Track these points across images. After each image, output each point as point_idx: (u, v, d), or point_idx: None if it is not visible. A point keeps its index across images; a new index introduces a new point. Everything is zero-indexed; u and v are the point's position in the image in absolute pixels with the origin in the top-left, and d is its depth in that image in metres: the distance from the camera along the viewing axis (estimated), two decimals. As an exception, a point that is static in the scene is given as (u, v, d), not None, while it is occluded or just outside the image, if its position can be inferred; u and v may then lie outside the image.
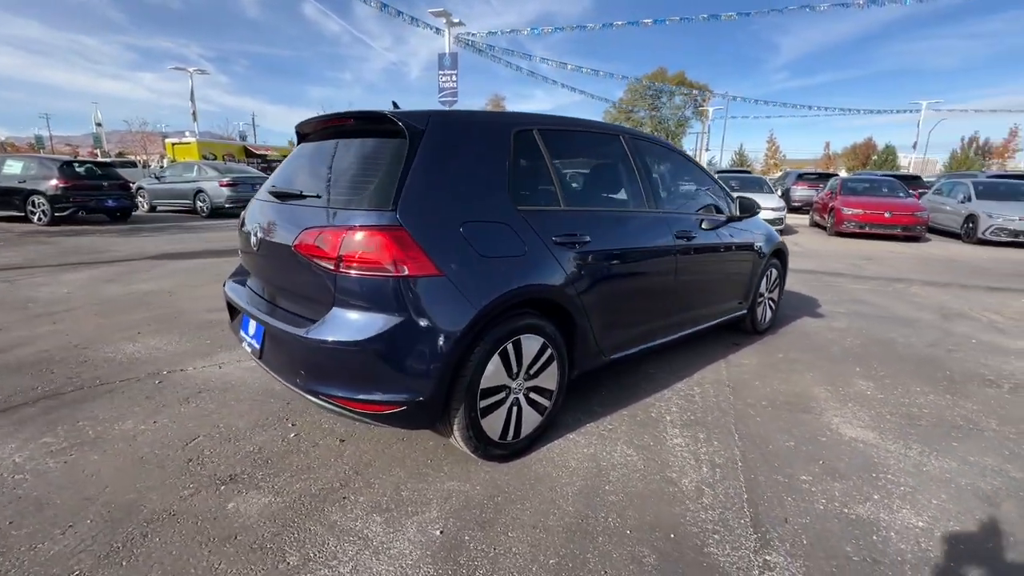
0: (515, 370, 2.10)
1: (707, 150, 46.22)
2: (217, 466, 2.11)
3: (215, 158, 21.55)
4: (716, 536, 1.75)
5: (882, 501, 1.97)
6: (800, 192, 16.62)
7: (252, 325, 2.23)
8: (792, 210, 15.71)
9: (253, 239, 2.21)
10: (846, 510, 1.91)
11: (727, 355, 3.60)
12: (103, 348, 3.43)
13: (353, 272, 1.77)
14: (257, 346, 2.15)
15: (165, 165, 22.84)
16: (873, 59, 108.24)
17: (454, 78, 19.27)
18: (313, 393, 1.87)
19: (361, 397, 1.81)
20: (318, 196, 2.01)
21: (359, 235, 1.76)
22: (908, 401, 2.89)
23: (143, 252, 7.35)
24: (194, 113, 28.24)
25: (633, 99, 54.01)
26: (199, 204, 12.62)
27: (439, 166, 1.93)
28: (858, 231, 11.23)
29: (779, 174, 24.80)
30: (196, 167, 13.20)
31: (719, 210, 3.38)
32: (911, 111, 34.91)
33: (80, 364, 3.15)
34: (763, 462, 2.22)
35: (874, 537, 1.77)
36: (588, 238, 2.31)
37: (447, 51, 19.33)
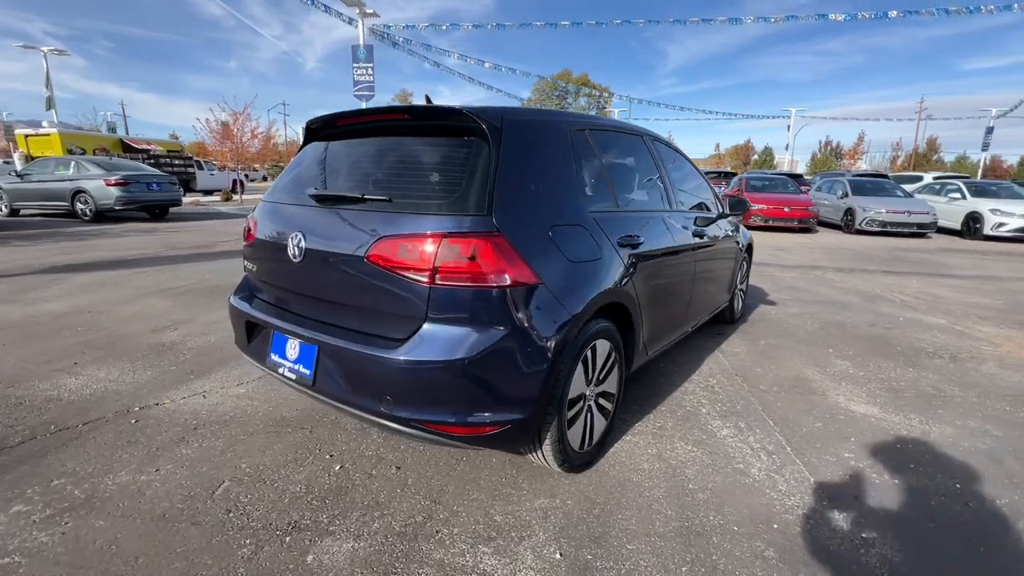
0: (590, 376, 2.05)
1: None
2: (267, 514, 1.82)
3: (84, 153, 18.65)
4: (811, 521, 1.84)
5: (919, 469, 2.21)
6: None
7: (293, 347, 1.95)
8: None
9: (292, 249, 1.92)
10: (897, 480, 2.11)
11: (718, 345, 3.82)
12: (38, 385, 2.81)
13: (452, 284, 1.61)
14: (307, 372, 1.88)
15: (16, 160, 19.27)
16: (746, 69, 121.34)
17: (370, 71, 18.40)
18: (402, 420, 1.68)
19: (468, 420, 1.65)
20: (388, 200, 1.79)
21: (458, 243, 1.60)
22: (884, 376, 3.27)
23: (27, 266, 6.15)
24: (50, 99, 24.13)
25: (541, 98, 55.48)
26: (80, 207, 10.83)
27: (522, 168, 1.82)
28: (762, 224, 12.50)
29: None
30: (73, 163, 11.28)
31: (708, 207, 3.56)
32: (783, 117, 39.59)
33: (15, 407, 2.55)
34: (807, 445, 2.38)
35: (932, 502, 1.97)
36: (642, 239, 2.32)
37: (361, 43, 18.40)
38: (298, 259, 1.91)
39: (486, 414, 1.67)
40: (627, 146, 2.69)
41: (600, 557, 1.65)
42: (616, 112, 38.83)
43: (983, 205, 11.93)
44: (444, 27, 22.90)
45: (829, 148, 61.01)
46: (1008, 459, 2.30)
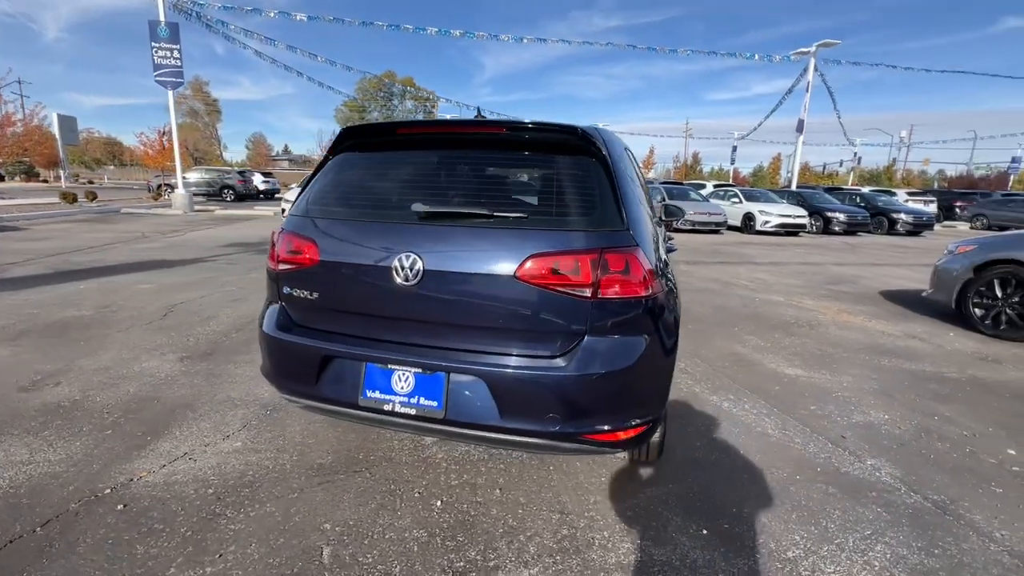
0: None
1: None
2: (411, 567, 1.63)
3: None
4: (849, 460, 2.37)
5: (864, 408, 2.97)
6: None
7: (403, 379, 1.75)
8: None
9: (402, 272, 1.72)
10: (865, 417, 2.82)
11: (657, 333, 4.40)
12: (-99, 490, 1.91)
13: (610, 296, 1.67)
14: (433, 403, 1.72)
15: None
16: (551, 85, 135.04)
17: (176, 54, 15.55)
18: (565, 436, 1.68)
19: (624, 424, 1.73)
20: (526, 217, 1.75)
21: (614, 257, 1.67)
22: (783, 345, 4.20)
23: None
24: None
25: (366, 98, 53.34)
26: None
27: (629, 183, 1.95)
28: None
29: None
30: None
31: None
32: (591, 130, 45.26)
33: None
34: (784, 405, 2.99)
35: (896, 431, 2.69)
36: (671, 247, 2.63)
37: (162, 18, 15.43)
38: (411, 282, 1.73)
39: (636, 417, 1.77)
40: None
41: (739, 522, 1.90)
42: (450, 118, 39.41)
43: (753, 207, 15.51)
44: (246, 10, 20.52)
45: (624, 159, 70.95)
46: (894, 392, 3.24)
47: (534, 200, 1.88)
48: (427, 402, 1.74)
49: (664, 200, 15.60)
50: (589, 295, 1.66)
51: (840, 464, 2.34)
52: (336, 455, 2.28)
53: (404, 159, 2.05)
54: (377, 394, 1.79)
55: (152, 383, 2.99)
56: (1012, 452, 2.51)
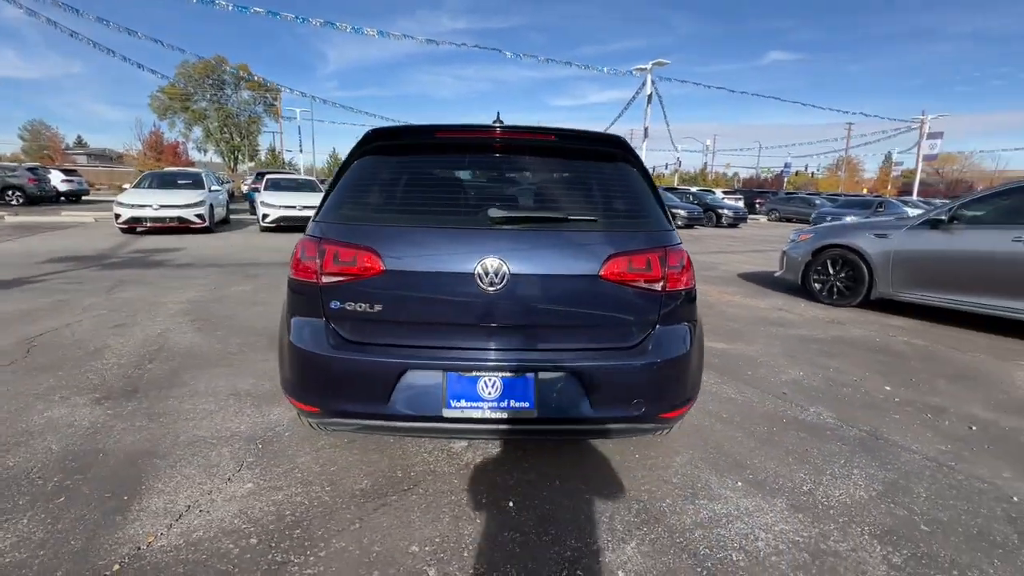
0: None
1: (288, 151, 45.08)
2: (527, 568, 1.65)
3: None
4: (799, 410, 2.92)
5: (784, 368, 3.63)
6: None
7: (489, 385, 1.75)
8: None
9: (486, 277, 1.71)
10: (789, 376, 3.46)
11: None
12: None
13: (673, 289, 1.88)
14: (525, 404, 1.75)
15: None
16: (401, 82, 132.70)
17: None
18: (647, 418, 1.85)
19: (681, 403, 1.96)
20: (595, 220, 1.85)
21: (675, 254, 1.89)
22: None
23: None
24: None
25: (192, 84, 46.53)
26: None
27: (655, 186, 2.18)
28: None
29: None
30: None
31: None
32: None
33: None
34: (732, 373, 3.53)
35: (813, 383, 3.36)
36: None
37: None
38: (497, 287, 1.73)
39: (691, 394, 2.02)
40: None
41: (758, 471, 2.25)
42: (299, 112, 36.41)
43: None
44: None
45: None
46: (795, 354, 4.03)
47: (594, 204, 2.00)
48: (518, 404, 1.77)
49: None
50: (660, 289, 1.85)
51: (796, 414, 2.89)
52: (373, 478, 2.13)
53: (453, 163, 2.02)
54: (463, 403, 1.76)
55: (79, 434, 2.41)
56: (888, 388, 3.34)
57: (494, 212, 1.84)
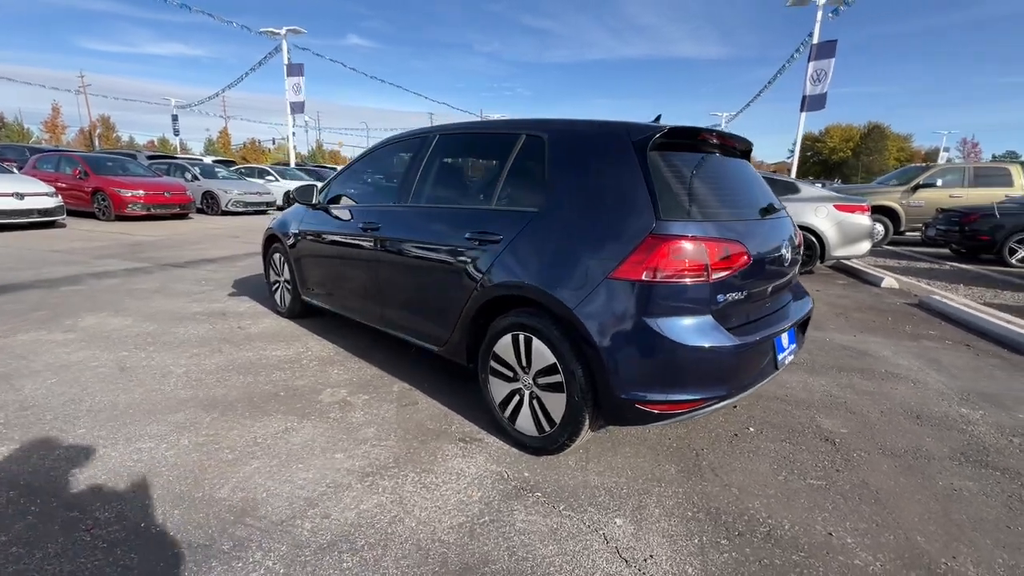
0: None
1: None
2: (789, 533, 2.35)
3: None
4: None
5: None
6: None
7: (787, 336, 2.29)
8: None
9: (787, 256, 2.23)
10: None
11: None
12: None
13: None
14: (794, 346, 2.37)
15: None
16: None
17: None
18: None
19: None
20: (780, 210, 2.52)
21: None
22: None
23: None
24: None
25: None
26: None
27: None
28: (144, 214, 10.87)
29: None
30: None
31: None
32: None
33: None
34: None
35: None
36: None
37: None
38: (789, 262, 2.26)
39: None
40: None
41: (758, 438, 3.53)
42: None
43: (293, 184, 15.73)
44: None
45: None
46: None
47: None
48: (791, 346, 2.37)
49: (198, 177, 13.30)
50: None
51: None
52: (676, 460, 2.23)
53: (716, 162, 2.26)
54: (781, 356, 2.23)
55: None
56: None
57: (761, 205, 2.31)
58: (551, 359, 2.08)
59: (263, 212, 14.49)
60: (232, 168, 16.20)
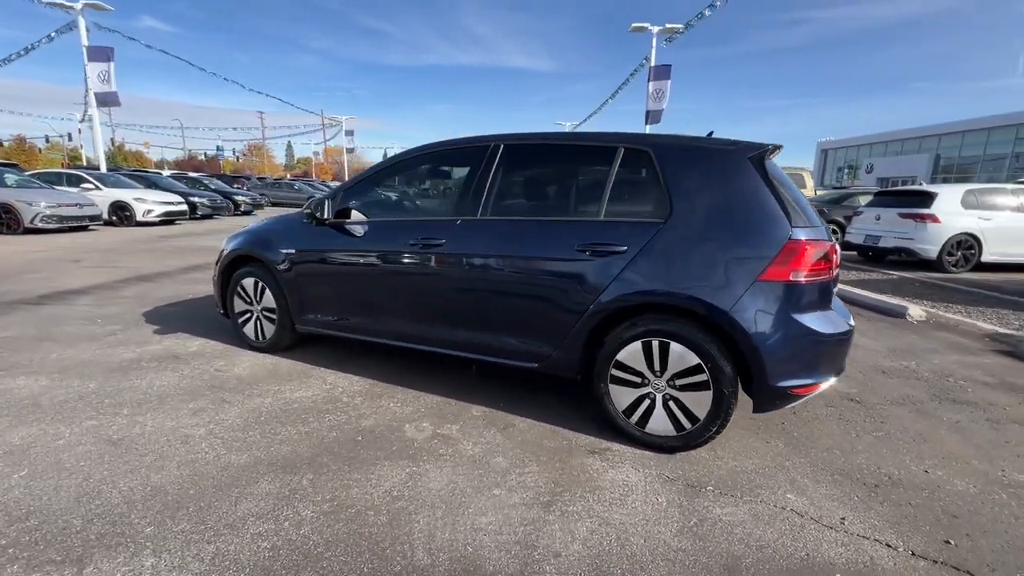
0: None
1: None
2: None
3: None
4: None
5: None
6: None
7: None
8: None
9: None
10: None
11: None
12: None
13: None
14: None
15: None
16: None
17: None
18: None
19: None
20: None
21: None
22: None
23: None
24: None
25: None
26: None
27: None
28: None
29: None
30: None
31: None
32: None
33: None
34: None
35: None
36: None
37: None
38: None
39: None
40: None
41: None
42: None
43: (126, 194, 12.97)
44: None
45: None
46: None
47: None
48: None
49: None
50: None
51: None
52: (776, 437, 2.51)
53: (781, 174, 2.59)
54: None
55: None
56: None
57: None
58: (694, 360, 2.21)
59: (84, 228, 11.68)
60: (26, 173, 12.60)
